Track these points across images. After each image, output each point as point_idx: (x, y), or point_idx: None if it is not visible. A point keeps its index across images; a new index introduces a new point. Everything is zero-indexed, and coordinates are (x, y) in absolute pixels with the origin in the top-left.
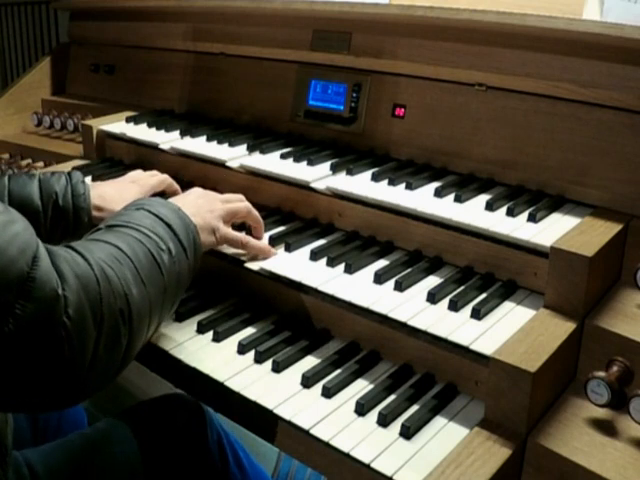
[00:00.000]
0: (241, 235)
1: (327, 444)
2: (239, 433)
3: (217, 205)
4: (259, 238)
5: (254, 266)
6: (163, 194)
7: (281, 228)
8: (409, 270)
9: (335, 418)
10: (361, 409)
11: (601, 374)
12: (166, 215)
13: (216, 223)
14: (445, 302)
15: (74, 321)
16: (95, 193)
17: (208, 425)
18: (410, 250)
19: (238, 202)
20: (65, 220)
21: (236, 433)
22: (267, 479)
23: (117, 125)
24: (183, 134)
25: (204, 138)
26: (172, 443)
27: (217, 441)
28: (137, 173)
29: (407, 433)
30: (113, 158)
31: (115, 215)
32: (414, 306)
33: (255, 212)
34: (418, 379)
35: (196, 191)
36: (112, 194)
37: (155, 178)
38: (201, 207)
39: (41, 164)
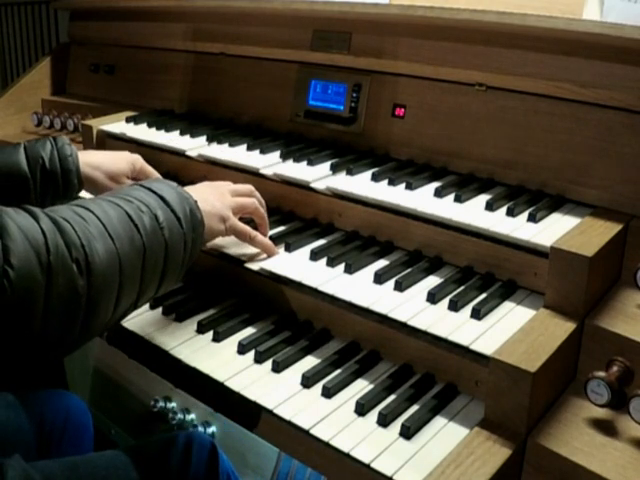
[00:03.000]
0: (249, 228)
1: (327, 444)
2: (239, 433)
3: (227, 196)
4: (264, 235)
5: (254, 266)
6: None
7: (281, 228)
8: (409, 270)
9: (335, 418)
10: (361, 409)
11: (601, 374)
12: (160, 188)
13: (226, 212)
14: (445, 302)
15: (17, 269)
16: (86, 156)
17: (220, 469)
18: (410, 250)
19: (247, 195)
20: (54, 183)
21: (236, 433)
22: None
23: (117, 125)
24: (183, 134)
25: (204, 138)
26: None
27: None
28: (130, 153)
29: (407, 433)
30: None
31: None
32: (414, 306)
33: (262, 209)
34: (418, 379)
35: (206, 182)
36: (103, 156)
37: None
38: (210, 195)
39: None
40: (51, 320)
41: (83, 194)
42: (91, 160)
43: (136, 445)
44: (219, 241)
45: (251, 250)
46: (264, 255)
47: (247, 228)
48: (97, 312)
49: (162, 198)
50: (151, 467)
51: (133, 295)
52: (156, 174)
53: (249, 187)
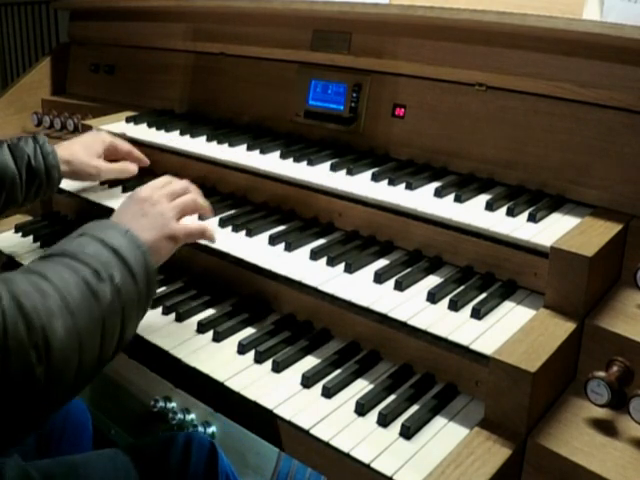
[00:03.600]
0: (198, 225)
1: (327, 444)
2: (239, 433)
3: (165, 206)
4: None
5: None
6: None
7: (281, 227)
8: (409, 270)
9: (335, 418)
10: (361, 409)
11: (601, 374)
12: (112, 239)
13: (172, 227)
14: (445, 302)
15: None
16: (63, 151)
17: (220, 469)
18: (410, 250)
19: (184, 193)
20: (39, 179)
21: (236, 433)
22: None
23: (117, 125)
24: (183, 134)
25: (204, 138)
26: None
27: None
28: (100, 132)
29: (407, 433)
30: None
31: (58, 243)
32: (414, 306)
33: (201, 199)
34: (418, 379)
35: (138, 195)
36: (79, 149)
37: (115, 138)
38: (149, 214)
39: None
40: (4, 406)
41: (64, 183)
42: (64, 154)
43: (135, 444)
44: (220, 241)
45: (251, 250)
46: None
47: (198, 227)
48: (52, 394)
49: (116, 252)
50: (150, 467)
51: (93, 364)
52: (127, 147)
53: (183, 182)
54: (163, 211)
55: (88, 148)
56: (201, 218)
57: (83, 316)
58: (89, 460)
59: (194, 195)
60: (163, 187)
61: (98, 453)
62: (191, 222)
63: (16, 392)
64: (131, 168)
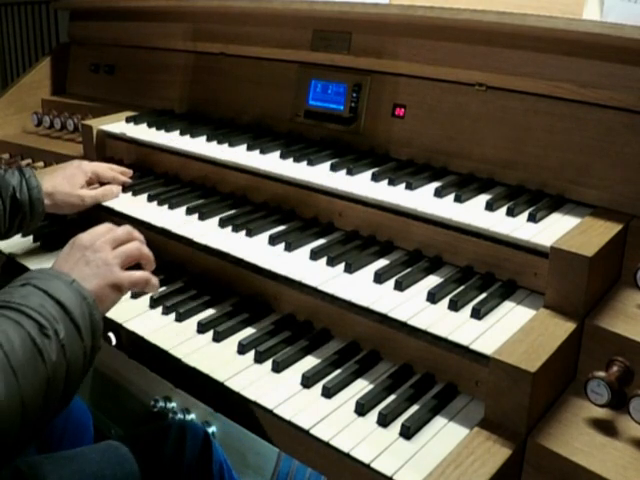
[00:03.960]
0: (142, 274)
1: (327, 444)
2: (239, 433)
3: (109, 254)
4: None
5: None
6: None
7: (281, 227)
8: (409, 270)
9: (335, 418)
10: (361, 409)
11: (601, 374)
12: (56, 291)
13: (116, 275)
14: (445, 302)
15: None
16: (46, 184)
17: (214, 457)
18: (410, 250)
19: (128, 241)
20: (22, 212)
21: (236, 433)
22: None
23: (117, 125)
24: (183, 134)
25: (204, 138)
26: (176, 471)
27: (219, 471)
28: (82, 161)
29: (407, 433)
30: (113, 158)
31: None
32: (414, 306)
33: (145, 249)
34: (418, 379)
35: (80, 242)
36: (61, 182)
37: (97, 163)
38: (92, 262)
39: (41, 164)
40: None
41: None
42: (46, 187)
43: (129, 436)
44: (220, 241)
45: (251, 250)
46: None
47: (141, 276)
48: (4, 453)
49: (61, 305)
50: (145, 457)
51: (36, 420)
52: (110, 174)
53: (126, 229)
54: (106, 259)
55: (70, 180)
56: (143, 268)
57: (26, 375)
58: (83, 454)
59: (138, 243)
60: (105, 234)
61: (92, 447)
62: (135, 271)
63: None
64: (114, 191)
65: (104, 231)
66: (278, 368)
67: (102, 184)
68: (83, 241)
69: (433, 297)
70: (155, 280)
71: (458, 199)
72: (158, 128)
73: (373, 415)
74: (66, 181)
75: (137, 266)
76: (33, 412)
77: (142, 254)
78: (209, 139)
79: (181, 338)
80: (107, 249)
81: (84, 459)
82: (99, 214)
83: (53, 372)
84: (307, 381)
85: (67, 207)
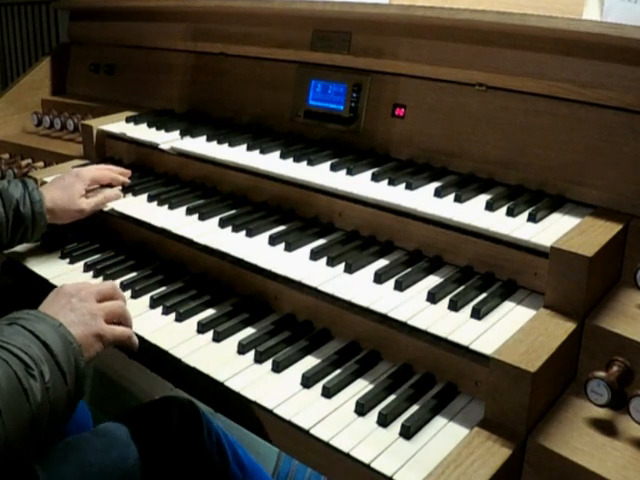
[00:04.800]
0: (125, 329)
1: (327, 444)
2: (239, 433)
3: (94, 305)
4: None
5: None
6: (110, 185)
7: (281, 227)
8: (409, 270)
9: (335, 418)
10: (361, 409)
11: (601, 374)
12: (43, 333)
13: (100, 326)
14: (445, 302)
15: None
16: (47, 198)
17: (205, 426)
18: (410, 250)
19: (112, 297)
20: (24, 225)
21: (236, 433)
22: (267, 478)
23: (117, 125)
24: (183, 134)
25: (204, 138)
26: (169, 445)
27: (216, 441)
28: (80, 168)
29: (407, 433)
30: (113, 158)
31: None
32: (414, 306)
33: (127, 309)
34: (418, 379)
35: (65, 290)
36: (61, 196)
37: (95, 169)
38: (77, 309)
39: (41, 164)
40: None
41: None
42: (46, 201)
43: (111, 423)
44: (220, 241)
45: (251, 250)
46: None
47: (124, 330)
48: None
49: (47, 347)
50: (134, 439)
51: (17, 453)
52: (109, 175)
53: (111, 284)
54: (91, 309)
55: (68, 191)
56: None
57: (12, 413)
58: (67, 445)
59: (121, 302)
60: (90, 287)
61: (74, 438)
62: (117, 326)
63: None
64: (115, 194)
65: (89, 284)
66: (278, 368)
67: (102, 186)
68: (68, 289)
69: (433, 297)
70: (135, 339)
71: (458, 199)
72: (158, 128)
73: (373, 415)
74: (65, 193)
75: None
76: (14, 451)
77: (124, 313)
78: (209, 139)
79: (181, 338)
80: (92, 300)
81: (69, 448)
82: (99, 214)
83: (37, 413)
84: (307, 381)
85: (68, 219)
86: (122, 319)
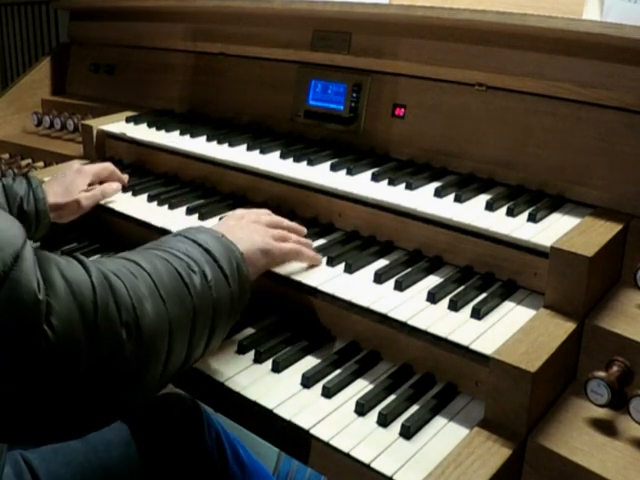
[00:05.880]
0: (294, 245)
1: (327, 444)
2: (239, 433)
3: (264, 227)
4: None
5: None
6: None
7: None
8: (409, 270)
9: (335, 418)
10: (361, 409)
11: (601, 374)
12: (205, 241)
13: (268, 241)
14: (445, 302)
15: (58, 331)
16: (49, 194)
17: (205, 423)
18: (410, 250)
19: (283, 232)
20: (28, 222)
21: (236, 433)
22: (267, 475)
23: (117, 125)
24: (183, 134)
25: (204, 138)
26: (169, 442)
27: (216, 439)
28: (81, 165)
29: (407, 433)
30: (113, 158)
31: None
32: (414, 306)
33: (308, 250)
34: (418, 379)
35: (234, 214)
36: (61, 192)
37: (96, 165)
38: (246, 228)
39: (41, 164)
40: (94, 387)
41: None
42: (48, 196)
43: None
44: None
45: None
46: None
47: (292, 248)
48: (143, 377)
49: (209, 252)
50: (135, 437)
51: (181, 357)
52: (109, 169)
53: (283, 221)
54: (260, 229)
55: (69, 187)
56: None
57: (174, 303)
58: (68, 445)
59: (295, 236)
60: (260, 214)
61: (79, 441)
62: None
63: (106, 370)
64: (114, 187)
65: (257, 211)
66: (278, 368)
67: (102, 183)
68: (237, 214)
69: (433, 297)
70: (308, 254)
71: (458, 199)
72: (158, 128)
73: (373, 415)
74: (65, 190)
75: None
76: (179, 346)
77: (288, 225)
78: (209, 139)
79: None
80: (262, 222)
81: (71, 449)
82: (99, 214)
83: (199, 307)
84: (307, 381)
85: (68, 214)
86: (291, 231)
